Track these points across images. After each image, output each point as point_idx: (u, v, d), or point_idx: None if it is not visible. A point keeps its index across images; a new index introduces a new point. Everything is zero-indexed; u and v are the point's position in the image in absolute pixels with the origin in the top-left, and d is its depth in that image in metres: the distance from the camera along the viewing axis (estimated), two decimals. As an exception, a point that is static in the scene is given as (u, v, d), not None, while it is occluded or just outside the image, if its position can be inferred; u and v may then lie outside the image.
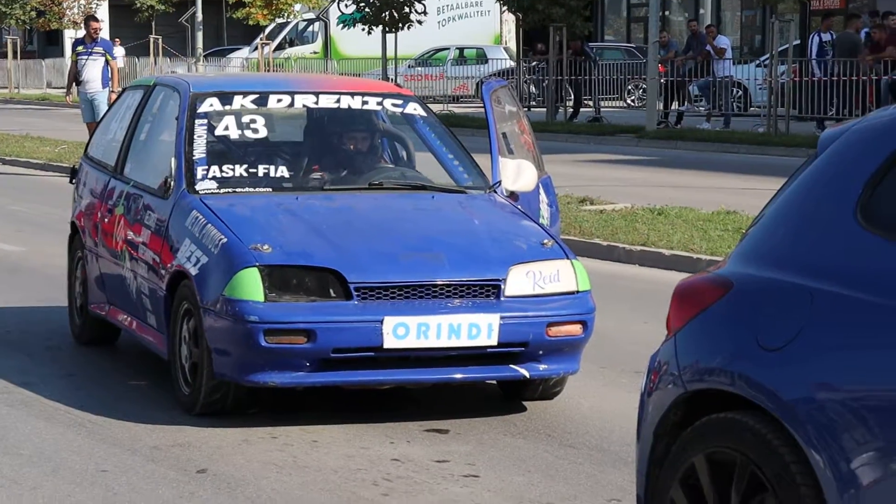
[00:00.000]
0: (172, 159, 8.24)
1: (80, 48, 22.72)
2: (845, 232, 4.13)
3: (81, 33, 53.23)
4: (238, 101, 8.62)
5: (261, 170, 8.32)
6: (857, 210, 4.13)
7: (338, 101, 8.82)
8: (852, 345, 3.97)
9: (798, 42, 34.82)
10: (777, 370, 4.08)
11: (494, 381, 7.92)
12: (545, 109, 33.04)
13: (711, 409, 4.31)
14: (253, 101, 8.68)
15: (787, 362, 4.07)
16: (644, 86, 33.16)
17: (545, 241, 7.80)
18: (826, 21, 30.43)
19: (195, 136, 8.31)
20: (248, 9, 42.70)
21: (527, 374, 7.52)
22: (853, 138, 4.34)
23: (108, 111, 10.23)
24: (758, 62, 34.44)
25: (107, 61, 22.01)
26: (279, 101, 8.77)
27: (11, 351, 9.28)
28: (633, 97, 38.19)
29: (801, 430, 3.96)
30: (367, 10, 37.17)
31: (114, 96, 21.61)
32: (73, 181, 10.15)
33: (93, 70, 22.20)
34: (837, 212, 4.17)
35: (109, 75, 22.08)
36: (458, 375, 7.50)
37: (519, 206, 8.33)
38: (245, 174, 8.27)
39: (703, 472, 4.27)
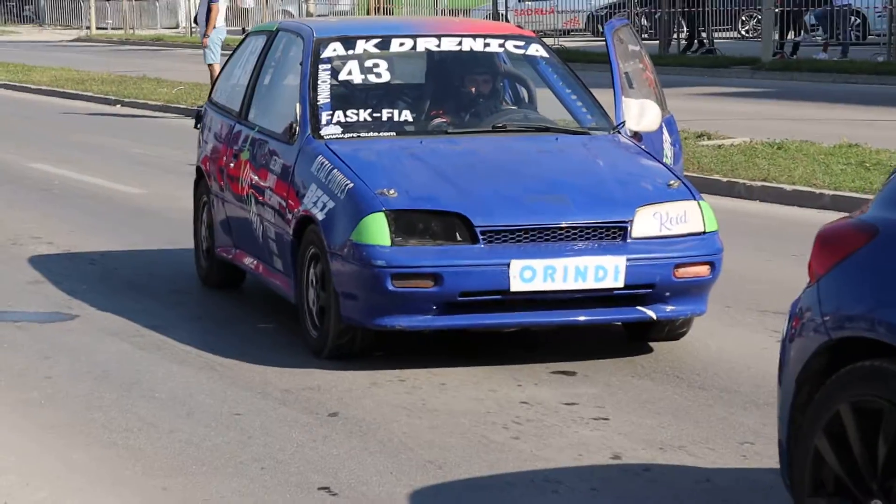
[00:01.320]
0: (297, 104, 8.28)
1: None
2: None
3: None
4: (361, 46, 8.61)
5: (384, 114, 8.33)
6: None
7: (460, 43, 8.79)
8: None
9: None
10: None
11: (620, 323, 7.89)
12: (657, 42, 32.65)
13: (856, 356, 4.27)
14: (375, 46, 8.65)
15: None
16: (758, 16, 32.70)
17: (671, 181, 7.74)
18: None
19: (319, 82, 8.33)
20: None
21: (654, 316, 7.51)
22: None
23: (231, 56, 10.25)
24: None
25: (209, 4, 22.01)
26: (401, 44, 8.73)
27: (139, 295, 9.42)
28: (746, 27, 37.54)
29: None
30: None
31: (206, 41, 21.66)
32: (198, 126, 10.24)
33: (201, 13, 22.42)
34: None
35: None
36: (583, 318, 7.49)
37: (643, 147, 8.28)
38: (369, 119, 8.28)
39: (848, 420, 4.24)
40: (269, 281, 8.50)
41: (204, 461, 6.14)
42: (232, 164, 9.06)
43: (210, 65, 21.33)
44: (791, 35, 31.01)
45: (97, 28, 56.56)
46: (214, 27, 21.49)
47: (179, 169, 11.90)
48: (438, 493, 5.68)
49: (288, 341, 8.03)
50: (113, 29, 55.94)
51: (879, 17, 31.02)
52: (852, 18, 31.39)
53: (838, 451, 4.27)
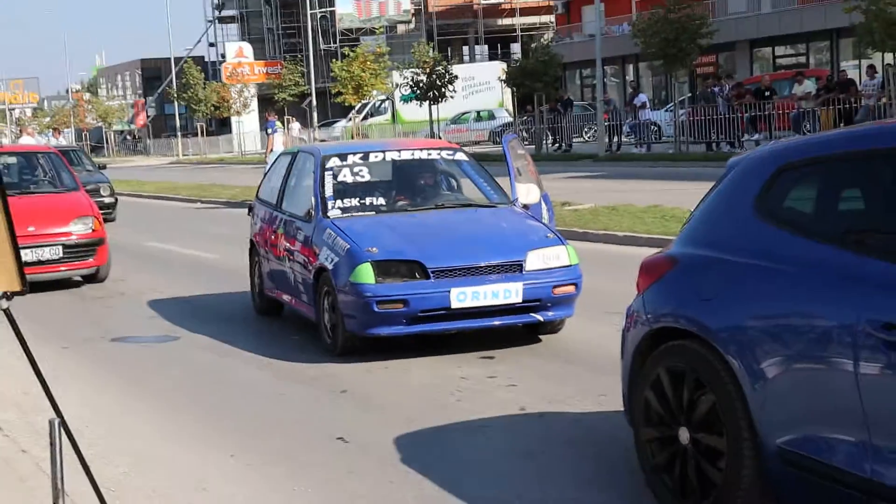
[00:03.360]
0: (312, 198, 8.25)
1: None
2: (748, 223, 4.10)
3: (243, 118, 53.65)
4: (350, 158, 8.56)
5: (367, 201, 8.28)
6: (754, 208, 4.10)
7: (413, 154, 8.80)
8: (750, 292, 3.97)
9: (690, 95, 34.63)
10: (711, 312, 4.07)
11: (520, 325, 7.82)
12: (533, 146, 32.78)
13: (668, 339, 4.31)
14: (360, 158, 8.61)
15: (717, 307, 4.05)
16: (595, 127, 32.97)
17: (548, 234, 7.75)
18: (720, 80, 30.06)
19: (325, 182, 8.29)
20: (343, 96, 42.67)
21: (541, 319, 7.52)
22: (748, 164, 4.30)
23: (269, 168, 10.19)
24: (665, 108, 34.24)
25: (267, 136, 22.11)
26: (376, 157, 8.70)
27: (218, 322, 9.31)
28: (589, 134, 37.78)
29: (728, 348, 3.96)
30: (418, 91, 37.25)
31: (267, 159, 21.33)
32: (249, 213, 10.15)
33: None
34: (742, 211, 4.14)
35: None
36: (497, 322, 7.45)
37: (530, 213, 8.27)
38: (357, 204, 8.22)
39: (664, 379, 4.28)
40: (299, 309, 8.42)
41: (263, 423, 6.14)
42: (273, 237, 8.98)
43: None
44: (617, 138, 31.28)
45: (182, 155, 56.40)
46: (272, 150, 21.07)
47: (239, 241, 11.76)
48: (414, 437, 5.68)
49: (313, 346, 7.95)
50: (193, 155, 55.83)
51: (668, 125, 31.39)
52: (652, 127, 31.76)
53: (659, 399, 4.30)
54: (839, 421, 3.53)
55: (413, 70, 37.89)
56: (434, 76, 37.12)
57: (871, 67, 26.60)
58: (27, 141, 25.33)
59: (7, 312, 3.64)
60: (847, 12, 23.93)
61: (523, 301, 7.32)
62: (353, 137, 42.45)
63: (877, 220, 3.70)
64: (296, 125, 41.65)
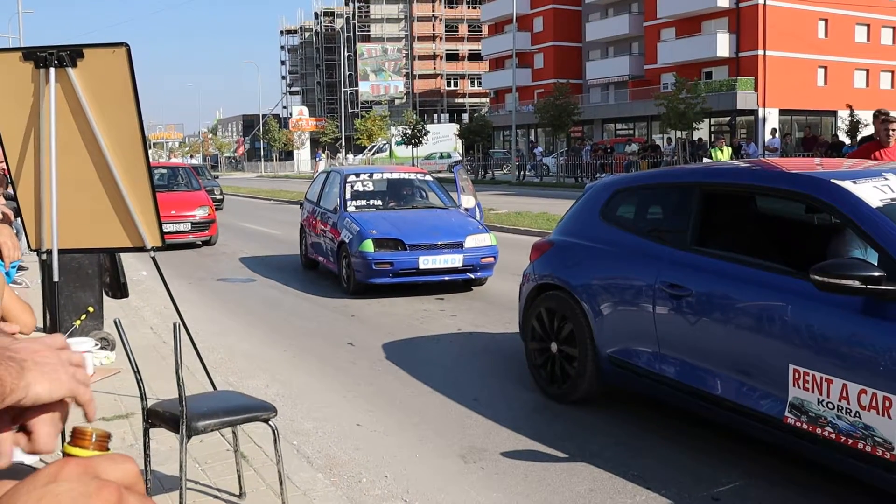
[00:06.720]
0: (338, 198, 8.07)
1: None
2: (595, 222, 4.07)
3: (300, 151, 52.05)
4: (363, 176, 8.39)
5: (371, 202, 8.12)
6: (599, 214, 4.08)
7: (401, 175, 8.64)
8: (595, 264, 3.93)
9: (566, 148, 34.61)
10: (573, 274, 4.04)
11: (460, 280, 7.74)
12: (474, 174, 32.54)
13: (547, 290, 4.27)
14: (367, 176, 8.44)
15: (576, 271, 4.03)
16: (509, 165, 32.85)
17: (479, 226, 7.64)
18: (584, 140, 30.02)
19: (346, 190, 8.12)
20: (361, 140, 42.10)
21: (473, 277, 7.41)
22: (597, 188, 4.28)
23: (313, 181, 10.00)
24: (553, 156, 34.19)
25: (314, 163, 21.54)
26: (378, 176, 8.55)
27: (278, 271, 9.11)
28: (507, 168, 37.55)
29: (581, 296, 3.93)
30: (404, 138, 36.80)
31: (315, 174, 20.85)
32: (300, 207, 9.92)
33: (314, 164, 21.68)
34: (592, 215, 4.12)
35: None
36: (447, 278, 7.33)
37: (469, 214, 8.16)
38: (365, 203, 8.06)
39: (543, 314, 4.24)
40: (328, 266, 8.25)
41: (304, 332, 5.97)
42: (314, 222, 8.77)
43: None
44: (523, 172, 31.17)
45: (264, 172, 55.30)
46: (317, 170, 20.76)
47: (294, 223, 11.59)
48: (394, 344, 5.58)
49: (335, 288, 7.79)
50: (270, 172, 54.76)
51: (555, 165, 31.33)
52: (544, 166, 31.73)
53: (540, 325, 4.27)
54: (642, 340, 3.56)
55: (403, 126, 37.58)
56: (415, 131, 36.76)
57: (669, 139, 27.59)
58: (174, 160, 24.82)
59: (154, 259, 3.55)
60: (657, 106, 26.71)
61: (462, 265, 7.23)
62: (365, 164, 41.93)
63: (666, 224, 3.72)
64: (342, 155, 41.12)
